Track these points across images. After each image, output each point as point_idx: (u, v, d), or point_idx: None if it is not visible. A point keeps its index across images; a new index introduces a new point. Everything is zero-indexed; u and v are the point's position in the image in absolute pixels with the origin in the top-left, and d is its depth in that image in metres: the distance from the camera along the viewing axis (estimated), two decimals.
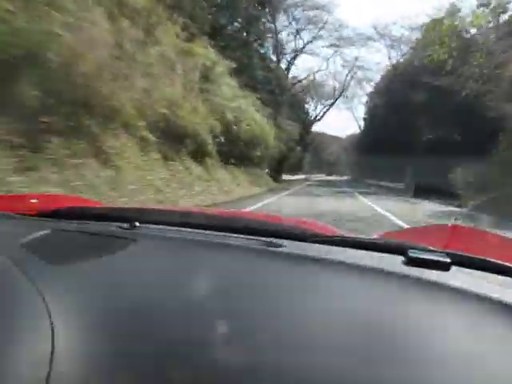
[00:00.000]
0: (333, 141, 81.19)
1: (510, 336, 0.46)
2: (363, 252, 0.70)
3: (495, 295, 0.52)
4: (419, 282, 0.56)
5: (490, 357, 0.42)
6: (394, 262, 0.63)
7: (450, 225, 1.22)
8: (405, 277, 0.58)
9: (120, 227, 0.80)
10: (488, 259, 0.65)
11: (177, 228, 0.82)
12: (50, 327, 0.44)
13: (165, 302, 0.52)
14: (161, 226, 0.83)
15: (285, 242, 0.73)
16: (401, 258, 0.64)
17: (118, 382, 0.40)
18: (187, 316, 0.49)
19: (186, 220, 0.87)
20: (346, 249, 0.71)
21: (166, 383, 0.40)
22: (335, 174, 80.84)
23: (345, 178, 64.05)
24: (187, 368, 0.41)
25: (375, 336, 0.45)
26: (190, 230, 0.81)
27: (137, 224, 0.79)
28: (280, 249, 0.69)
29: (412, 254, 0.63)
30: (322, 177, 64.21)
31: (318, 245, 0.73)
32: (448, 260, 0.62)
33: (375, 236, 0.95)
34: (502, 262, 0.64)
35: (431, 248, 0.68)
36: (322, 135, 66.43)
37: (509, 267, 0.63)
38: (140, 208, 1.26)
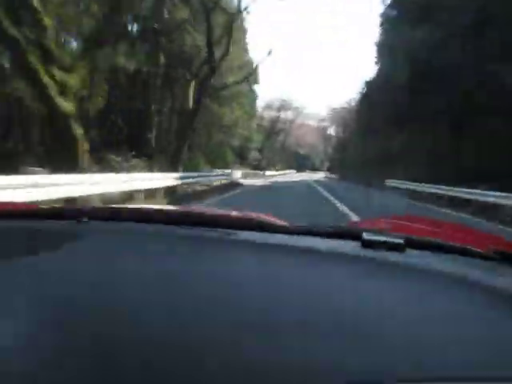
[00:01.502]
0: (303, 118, 66.49)
1: (460, 307, 0.48)
2: (319, 239, 0.71)
3: (447, 270, 0.56)
4: (374, 262, 0.58)
5: (440, 329, 0.44)
6: (350, 246, 0.66)
7: (404, 215, 1.54)
8: (360, 258, 0.60)
9: (67, 223, 0.77)
10: (439, 241, 0.72)
11: (124, 223, 0.80)
12: None
13: (114, 297, 0.50)
14: (110, 222, 0.81)
15: (240, 232, 0.73)
16: (357, 244, 0.66)
17: (64, 381, 0.38)
18: (138, 310, 0.47)
19: (136, 216, 0.85)
20: (302, 236, 0.72)
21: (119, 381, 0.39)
22: (309, 170, 67.15)
23: (324, 176, 50.34)
24: (140, 366, 0.39)
25: (336, 315, 0.46)
26: (137, 224, 0.79)
27: (84, 220, 0.76)
28: (235, 237, 0.69)
29: (366, 237, 0.65)
30: (287, 175, 48.75)
31: (273, 234, 0.73)
32: (402, 241, 0.64)
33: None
34: (451, 243, 0.71)
35: (386, 232, 0.73)
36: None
37: (457, 247, 0.69)
38: (89, 206, 1.24)
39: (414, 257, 0.63)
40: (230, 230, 0.73)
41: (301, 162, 70.61)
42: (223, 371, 0.38)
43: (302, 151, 74.36)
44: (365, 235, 0.66)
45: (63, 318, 0.46)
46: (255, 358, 0.39)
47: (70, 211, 0.92)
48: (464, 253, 0.68)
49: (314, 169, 74.27)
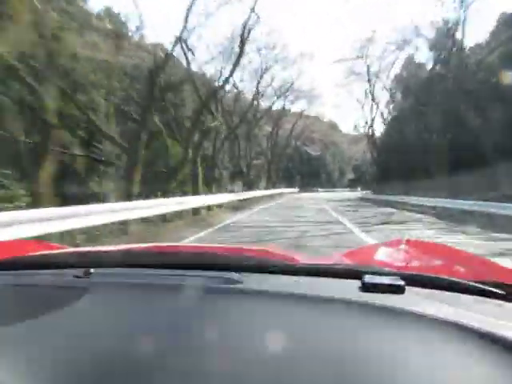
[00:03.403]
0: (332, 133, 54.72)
1: (463, 354, 0.48)
2: (321, 280, 0.73)
3: (449, 317, 0.55)
4: (375, 308, 0.59)
5: (446, 376, 0.44)
6: (351, 289, 0.66)
7: (406, 239, 1.24)
8: (361, 304, 0.60)
9: (75, 275, 0.78)
10: (439, 276, 0.71)
11: (133, 269, 0.82)
12: None
13: (121, 351, 0.51)
14: (117, 270, 0.82)
15: (243, 275, 0.74)
16: (357, 284, 0.67)
17: None
18: (149, 364, 0.48)
19: (142, 260, 0.86)
20: (305, 277, 0.73)
21: None
22: (322, 189, 50.06)
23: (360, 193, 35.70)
24: None
25: (337, 365, 0.47)
26: (146, 270, 0.80)
27: (91, 271, 0.78)
28: (238, 285, 0.70)
29: (367, 280, 0.66)
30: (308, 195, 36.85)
31: (276, 275, 0.75)
32: (402, 283, 0.65)
33: (336, 256, 1.03)
34: (451, 278, 0.70)
35: (385, 270, 0.73)
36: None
37: (462, 284, 0.68)
38: (93, 251, 1.14)
39: (413, 299, 0.63)
40: (234, 275, 0.73)
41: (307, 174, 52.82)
42: None
43: (312, 152, 55.83)
44: (366, 278, 0.67)
45: (67, 373, 0.47)
46: None
47: (75, 257, 0.92)
48: (468, 290, 0.68)
49: (331, 185, 55.49)
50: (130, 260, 0.87)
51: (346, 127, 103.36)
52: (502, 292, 0.67)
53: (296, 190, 43.97)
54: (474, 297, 0.66)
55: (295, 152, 50.43)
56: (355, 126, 40.69)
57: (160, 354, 0.50)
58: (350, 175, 61.56)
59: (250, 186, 27.90)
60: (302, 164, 53.06)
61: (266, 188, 32.31)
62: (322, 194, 40.71)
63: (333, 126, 61.02)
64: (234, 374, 0.45)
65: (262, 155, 37.73)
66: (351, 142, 56.32)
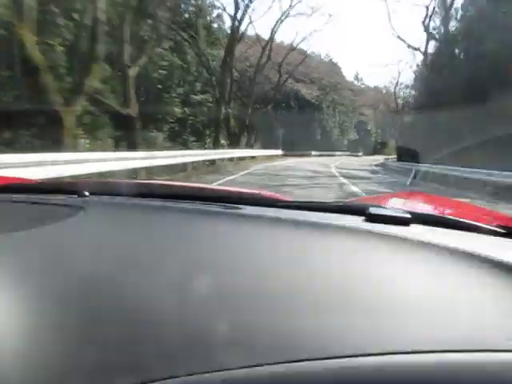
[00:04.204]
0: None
1: (468, 281, 0.48)
2: (325, 214, 0.70)
3: (453, 245, 0.55)
4: (381, 236, 0.58)
5: (449, 302, 0.45)
6: (356, 220, 0.65)
7: (408, 191, 2.47)
8: (366, 232, 0.59)
9: (69, 197, 0.77)
10: (445, 216, 0.72)
11: (131, 198, 0.78)
12: None
13: (117, 272, 0.49)
14: (112, 196, 0.79)
15: (247, 207, 0.72)
16: (362, 218, 0.66)
17: (60, 356, 0.37)
18: (140, 286, 0.46)
19: (140, 190, 0.83)
20: (307, 212, 0.71)
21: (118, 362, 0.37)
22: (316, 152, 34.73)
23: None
24: (145, 343, 0.38)
25: (337, 284, 0.47)
26: (144, 199, 0.78)
27: (86, 193, 0.76)
28: (241, 211, 0.68)
29: (372, 211, 0.65)
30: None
31: (279, 209, 0.73)
32: (407, 215, 0.65)
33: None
34: (458, 218, 0.69)
35: (389, 207, 0.72)
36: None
37: (464, 222, 0.68)
38: (90, 180, 1.66)
39: (419, 231, 0.62)
40: (237, 205, 0.72)
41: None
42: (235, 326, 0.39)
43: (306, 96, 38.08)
44: (370, 210, 0.66)
45: (63, 292, 0.45)
46: (269, 323, 0.40)
47: (71, 185, 0.92)
48: (470, 228, 0.68)
49: (328, 146, 38.76)
50: (125, 189, 0.84)
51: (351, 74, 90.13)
52: (504, 231, 0.68)
53: (279, 152, 29.48)
54: (477, 234, 0.67)
55: (284, 96, 34.86)
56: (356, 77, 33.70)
57: (154, 275, 0.49)
58: (353, 134, 50.54)
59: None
60: (290, 113, 34.59)
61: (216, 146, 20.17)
62: (320, 160, 26.87)
63: (335, 70, 47.82)
64: (232, 293, 0.45)
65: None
66: (357, 93, 48.82)
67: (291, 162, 22.81)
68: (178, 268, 0.50)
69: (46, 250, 0.55)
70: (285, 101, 35.87)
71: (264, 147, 28.69)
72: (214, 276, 0.48)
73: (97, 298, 0.43)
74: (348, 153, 44.25)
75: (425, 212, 0.72)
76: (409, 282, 0.48)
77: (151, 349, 0.36)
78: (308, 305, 0.43)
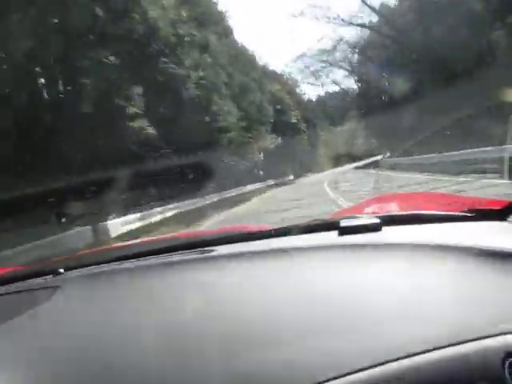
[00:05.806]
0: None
1: (447, 273, 0.49)
2: (299, 236, 0.72)
3: (427, 240, 0.55)
4: (352, 247, 0.59)
5: (431, 298, 0.45)
6: (330, 237, 0.67)
7: (381, 195, 2.65)
8: (339, 247, 0.61)
9: (44, 279, 0.77)
10: (416, 212, 0.72)
11: (105, 265, 0.78)
12: None
13: (99, 346, 0.50)
14: (89, 267, 0.79)
15: (220, 247, 0.72)
16: (336, 232, 0.67)
17: None
18: (126, 353, 0.46)
19: (112, 255, 0.84)
20: (283, 238, 0.72)
21: None
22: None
23: None
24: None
25: (324, 301, 0.48)
26: (116, 263, 0.77)
27: (61, 271, 0.76)
28: (214, 253, 0.68)
29: (343, 224, 0.67)
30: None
31: (252, 241, 0.74)
32: (378, 221, 0.65)
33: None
34: (428, 212, 0.71)
35: (361, 215, 0.73)
36: None
37: (435, 214, 0.70)
38: (65, 256, 1.28)
39: (391, 234, 0.63)
40: (211, 248, 0.72)
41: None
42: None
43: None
44: (341, 223, 0.67)
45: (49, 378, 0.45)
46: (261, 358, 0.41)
47: (45, 266, 0.92)
48: (442, 219, 0.69)
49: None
50: (102, 258, 0.85)
51: None
52: (473, 214, 0.69)
53: (291, 177, 24.16)
54: (450, 223, 0.68)
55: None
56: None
57: (138, 341, 0.49)
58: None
59: None
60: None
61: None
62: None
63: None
64: (225, 340, 0.45)
65: None
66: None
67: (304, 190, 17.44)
68: (160, 328, 0.50)
69: (27, 338, 0.55)
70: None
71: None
72: (200, 329, 0.49)
73: (85, 379, 0.44)
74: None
75: (395, 213, 0.74)
76: (389, 288, 0.48)
77: None
78: (293, 331, 0.43)
